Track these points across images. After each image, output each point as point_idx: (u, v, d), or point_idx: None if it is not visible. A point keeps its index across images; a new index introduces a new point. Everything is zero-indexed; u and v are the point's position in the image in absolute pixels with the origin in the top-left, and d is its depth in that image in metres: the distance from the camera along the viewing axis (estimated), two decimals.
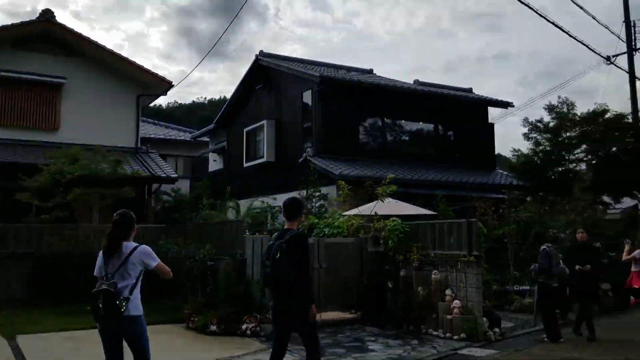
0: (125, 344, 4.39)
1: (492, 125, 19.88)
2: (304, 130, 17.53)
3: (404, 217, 11.26)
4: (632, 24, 19.67)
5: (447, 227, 9.62)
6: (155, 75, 17.71)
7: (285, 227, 5.14)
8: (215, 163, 24.86)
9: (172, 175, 16.13)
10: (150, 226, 13.22)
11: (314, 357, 5.02)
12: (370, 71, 22.11)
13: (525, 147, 18.93)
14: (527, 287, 11.73)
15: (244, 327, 8.54)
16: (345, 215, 11.97)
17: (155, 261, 4.45)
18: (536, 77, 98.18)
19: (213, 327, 8.56)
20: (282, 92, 19.06)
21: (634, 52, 19.39)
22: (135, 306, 4.30)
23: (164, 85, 17.89)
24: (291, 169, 17.11)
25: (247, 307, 8.74)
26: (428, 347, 7.98)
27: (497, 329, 8.86)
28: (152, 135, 24.98)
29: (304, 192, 14.77)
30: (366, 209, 11.64)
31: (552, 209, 15.84)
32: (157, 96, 19.32)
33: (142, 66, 17.67)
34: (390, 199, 12.39)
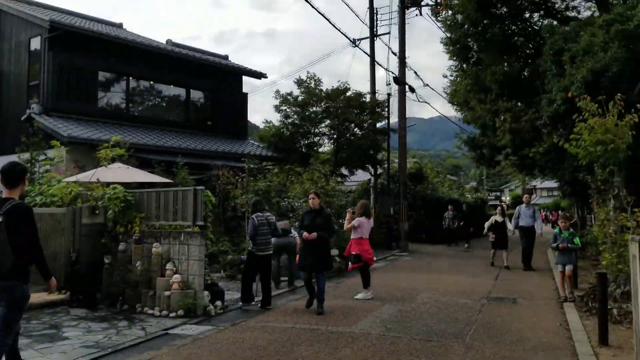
0: None
1: (245, 94, 19.76)
2: (30, 83, 15.08)
3: (138, 185, 10.28)
4: (374, 11, 21.30)
5: (173, 195, 8.88)
6: None
7: (3, 197, 4.52)
8: None
9: None
10: None
11: None
12: (120, 26, 20.10)
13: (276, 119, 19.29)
14: None
15: None
16: (65, 182, 10.44)
17: None
18: (301, 57, 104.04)
19: None
20: (6, 37, 16.15)
21: (375, 38, 21.03)
22: None
23: None
24: (12, 128, 14.65)
25: None
26: (137, 329, 7.20)
27: (219, 302, 8.49)
28: None
29: (26, 156, 12.77)
30: (88, 175, 10.28)
31: (297, 179, 16.36)
32: None
33: None
34: (121, 165, 11.24)
